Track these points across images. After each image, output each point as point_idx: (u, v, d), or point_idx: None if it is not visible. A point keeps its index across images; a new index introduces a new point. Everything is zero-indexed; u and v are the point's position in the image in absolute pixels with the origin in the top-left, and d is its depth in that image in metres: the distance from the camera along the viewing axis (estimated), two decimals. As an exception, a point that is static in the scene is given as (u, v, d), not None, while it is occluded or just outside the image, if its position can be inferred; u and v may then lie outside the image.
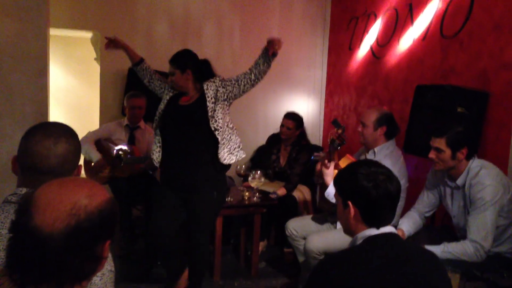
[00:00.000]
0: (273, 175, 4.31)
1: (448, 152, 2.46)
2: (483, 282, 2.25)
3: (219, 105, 2.90)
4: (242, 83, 2.94)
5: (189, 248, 3.10)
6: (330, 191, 2.83)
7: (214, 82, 2.96)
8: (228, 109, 3.00)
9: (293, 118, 4.26)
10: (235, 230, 4.24)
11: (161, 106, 3.06)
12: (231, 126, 2.98)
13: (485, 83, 3.18)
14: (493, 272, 2.31)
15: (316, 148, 4.90)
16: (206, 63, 3.08)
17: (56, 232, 0.92)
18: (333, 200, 2.84)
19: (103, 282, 1.31)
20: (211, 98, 2.89)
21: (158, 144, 3.05)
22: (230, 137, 2.95)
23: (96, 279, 1.26)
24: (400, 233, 2.57)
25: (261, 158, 4.58)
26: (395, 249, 1.51)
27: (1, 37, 3.42)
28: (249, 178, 3.65)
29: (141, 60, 3.19)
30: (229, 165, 3.01)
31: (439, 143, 2.47)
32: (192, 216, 3.02)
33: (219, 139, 2.87)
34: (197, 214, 2.99)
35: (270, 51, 2.89)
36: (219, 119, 2.87)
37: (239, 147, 3.01)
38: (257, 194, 3.69)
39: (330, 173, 2.85)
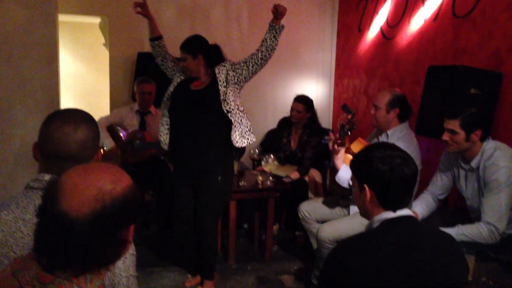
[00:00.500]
0: (284, 158, 4.32)
1: (462, 134, 2.44)
2: (498, 263, 2.25)
3: (230, 88, 2.92)
4: (251, 64, 2.97)
5: (197, 236, 3.12)
6: (341, 175, 2.83)
7: (224, 66, 2.98)
8: (238, 92, 3.02)
9: (302, 101, 4.24)
10: (247, 214, 4.27)
11: (171, 88, 3.07)
12: (241, 109, 2.99)
13: (498, 64, 3.14)
14: (507, 253, 2.31)
15: (327, 132, 4.89)
16: (216, 48, 3.09)
17: (82, 217, 0.94)
18: (344, 184, 2.85)
19: (126, 265, 1.33)
20: (223, 82, 2.91)
21: (166, 126, 3.08)
22: (241, 120, 2.96)
23: (118, 262, 1.28)
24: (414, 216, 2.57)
25: (272, 142, 4.59)
26: (412, 232, 1.52)
27: (11, 25, 3.42)
28: (263, 162, 3.67)
29: (160, 36, 3.17)
30: (241, 149, 3.03)
31: (453, 124, 2.46)
32: (199, 202, 3.04)
33: (232, 121, 2.90)
34: (205, 200, 3.01)
35: (277, 16, 3.00)
36: (230, 101, 2.89)
37: (249, 131, 3.03)
38: (271, 178, 3.69)
39: (340, 158, 2.84)
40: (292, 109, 4.28)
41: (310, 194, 4.10)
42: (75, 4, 4.65)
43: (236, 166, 3.92)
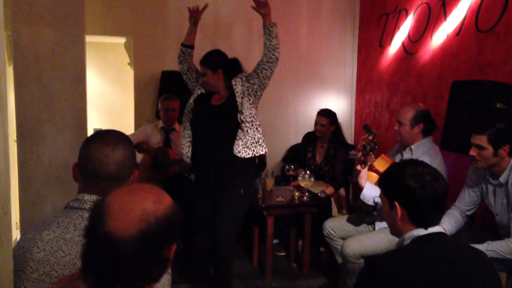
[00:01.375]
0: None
1: (490, 149, 2.42)
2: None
3: (246, 99, 2.96)
4: (259, 69, 3.02)
5: (214, 247, 3.10)
6: (366, 193, 2.83)
7: (240, 78, 3.04)
8: (255, 103, 3.04)
9: (326, 115, 4.25)
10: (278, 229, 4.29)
11: (191, 101, 3.13)
12: (249, 120, 2.98)
13: (524, 77, 3.12)
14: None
15: (352, 147, 4.90)
16: (235, 62, 3.15)
17: (128, 237, 0.97)
18: (369, 202, 2.84)
19: (162, 283, 1.36)
20: (240, 93, 2.97)
21: (189, 139, 3.13)
22: (247, 130, 2.96)
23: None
24: None
25: (295, 157, 4.60)
26: (444, 248, 1.51)
27: (41, 47, 3.52)
28: (299, 178, 3.68)
29: (193, 46, 3.25)
30: (262, 164, 3.05)
31: (480, 140, 2.44)
32: (217, 212, 3.05)
33: (240, 131, 2.94)
34: (223, 210, 3.02)
35: (259, 11, 3.04)
36: (245, 112, 2.93)
37: (257, 143, 3.01)
38: (307, 193, 3.71)
39: (363, 176, 2.83)
40: (316, 123, 4.29)
41: (333, 210, 4.09)
42: (102, 25, 4.77)
43: (271, 182, 3.96)
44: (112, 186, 1.32)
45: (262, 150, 3.04)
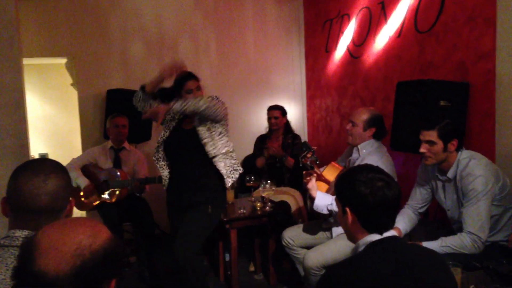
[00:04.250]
0: (267, 169, 4.38)
1: (440, 144, 2.46)
2: (484, 271, 2.25)
3: (212, 132, 2.97)
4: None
5: (179, 268, 2.94)
6: (318, 204, 2.81)
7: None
8: (219, 134, 3.02)
9: (277, 108, 4.50)
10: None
11: (165, 133, 3.08)
12: (223, 151, 2.99)
13: (464, 75, 3.22)
14: (492, 260, 2.31)
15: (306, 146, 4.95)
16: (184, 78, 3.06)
17: (61, 275, 0.91)
18: (324, 211, 2.82)
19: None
20: (204, 132, 2.96)
21: (168, 171, 3.09)
22: (225, 162, 2.98)
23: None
24: (397, 232, 2.56)
25: (252, 167, 4.57)
26: (397, 253, 1.50)
27: (-26, 72, 3.35)
28: (260, 188, 3.64)
29: (152, 94, 3.04)
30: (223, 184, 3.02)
31: (431, 135, 2.47)
32: (181, 230, 2.93)
33: (217, 165, 2.93)
34: (187, 227, 2.92)
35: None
36: (212, 148, 2.93)
37: (233, 169, 3.04)
38: (269, 203, 3.69)
39: (312, 187, 2.82)
40: (270, 117, 4.47)
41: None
42: (40, 46, 4.60)
43: (231, 195, 3.90)
44: (46, 219, 1.24)
45: (237, 174, 3.05)
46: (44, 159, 1.36)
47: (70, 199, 1.39)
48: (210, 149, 2.93)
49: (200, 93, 3.00)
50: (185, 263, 2.91)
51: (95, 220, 1.03)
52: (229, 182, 2.99)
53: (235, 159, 3.08)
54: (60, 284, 0.90)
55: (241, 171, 3.07)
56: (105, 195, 3.83)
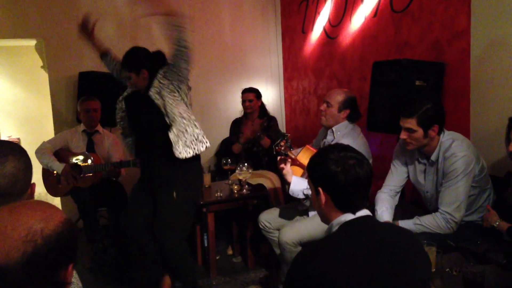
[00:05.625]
0: (244, 153, 4.35)
1: (420, 131, 2.43)
2: (458, 251, 2.26)
3: (167, 98, 2.77)
4: (174, 63, 2.77)
5: (161, 253, 2.94)
6: (293, 189, 2.79)
7: (157, 79, 2.81)
8: (179, 98, 2.83)
9: (252, 90, 4.45)
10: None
11: (120, 99, 2.98)
12: (185, 115, 2.82)
13: (440, 54, 3.21)
14: (467, 241, 2.33)
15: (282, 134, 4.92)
16: (159, 56, 2.93)
17: (12, 263, 0.85)
18: (299, 196, 2.80)
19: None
20: (156, 96, 2.78)
21: (130, 139, 3.03)
22: (185, 128, 2.80)
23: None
24: None
25: (228, 149, 4.54)
26: (371, 232, 1.48)
27: None
28: (237, 171, 3.59)
29: (106, 51, 3.10)
30: (193, 160, 2.87)
31: (410, 123, 2.44)
32: (155, 218, 2.87)
33: (171, 133, 2.76)
34: (160, 216, 2.84)
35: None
36: (170, 113, 2.76)
37: (197, 139, 2.85)
38: (246, 186, 3.65)
39: (288, 172, 2.79)
40: (244, 100, 4.43)
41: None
42: (8, 27, 4.44)
43: (208, 178, 3.85)
44: (4, 203, 1.17)
45: (202, 147, 2.88)
46: (1, 141, 1.30)
47: (32, 182, 1.34)
48: (168, 118, 2.77)
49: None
50: (167, 251, 2.85)
51: (47, 203, 0.97)
52: (189, 152, 2.79)
53: (198, 129, 2.89)
54: (10, 273, 0.85)
55: (207, 145, 2.91)
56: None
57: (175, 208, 2.84)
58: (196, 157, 2.89)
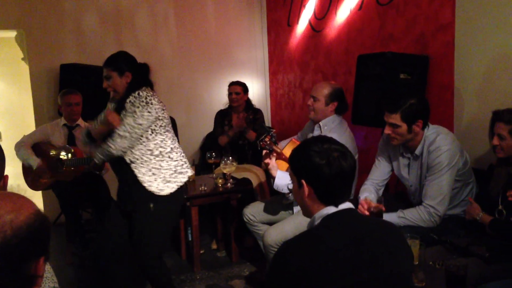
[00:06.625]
0: (229, 146, 4.32)
1: (404, 126, 2.43)
2: (441, 245, 2.27)
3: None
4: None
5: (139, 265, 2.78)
6: (278, 183, 2.77)
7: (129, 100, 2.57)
8: (153, 133, 2.58)
9: (239, 84, 4.43)
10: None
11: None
12: (157, 152, 2.60)
13: (424, 47, 3.21)
14: (450, 234, 2.34)
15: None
16: (145, 68, 2.71)
17: None
18: (284, 190, 2.78)
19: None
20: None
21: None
22: (160, 164, 2.60)
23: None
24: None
25: (214, 143, 4.50)
26: (353, 225, 1.47)
27: None
28: (222, 165, 3.55)
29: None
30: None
31: (394, 118, 2.43)
32: (133, 231, 2.71)
33: (137, 172, 2.57)
34: (137, 230, 2.67)
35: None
36: (135, 150, 2.56)
37: (176, 171, 2.65)
38: (231, 180, 3.62)
39: (273, 166, 2.76)
40: (230, 93, 4.40)
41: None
42: (-14, 18, 4.34)
43: (192, 172, 3.79)
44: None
45: (184, 177, 2.68)
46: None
47: (5, 175, 1.29)
48: (129, 156, 2.56)
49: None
50: (147, 266, 2.72)
51: (19, 194, 0.95)
52: (172, 187, 2.61)
53: (177, 160, 2.68)
54: None
55: (190, 173, 2.73)
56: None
57: (151, 222, 2.64)
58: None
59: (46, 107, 4.62)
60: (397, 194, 3.04)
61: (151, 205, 2.60)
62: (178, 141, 2.83)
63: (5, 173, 1.31)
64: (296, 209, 2.97)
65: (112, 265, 2.83)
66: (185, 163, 2.73)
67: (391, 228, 1.55)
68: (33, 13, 4.48)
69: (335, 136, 2.74)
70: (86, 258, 3.86)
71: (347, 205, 1.51)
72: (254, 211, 3.19)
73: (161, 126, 2.60)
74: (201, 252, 3.79)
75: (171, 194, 2.63)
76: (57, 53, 4.52)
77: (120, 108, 2.59)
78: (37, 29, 4.52)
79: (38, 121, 4.57)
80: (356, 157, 3.00)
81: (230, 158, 3.55)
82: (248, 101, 4.50)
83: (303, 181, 1.52)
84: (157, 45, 5.00)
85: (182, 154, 2.75)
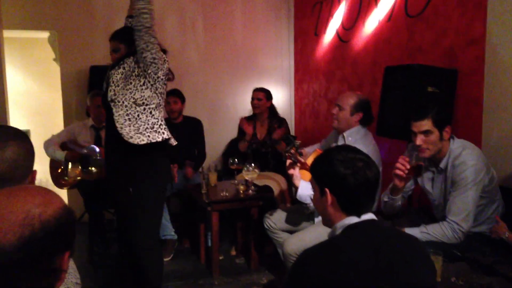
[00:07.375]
0: (252, 154, 4.30)
1: (436, 132, 2.38)
2: (465, 262, 2.22)
3: (132, 79, 2.59)
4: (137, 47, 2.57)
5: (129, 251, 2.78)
6: (301, 193, 2.74)
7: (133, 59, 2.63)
8: (143, 85, 2.59)
9: (262, 90, 4.41)
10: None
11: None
12: (140, 102, 2.60)
13: (453, 60, 3.16)
14: (474, 252, 2.28)
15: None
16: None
17: (8, 245, 0.84)
18: (307, 201, 2.75)
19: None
20: (121, 73, 2.64)
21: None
22: (138, 115, 2.60)
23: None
24: None
25: (235, 148, 4.51)
26: (375, 237, 1.45)
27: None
28: (244, 171, 3.56)
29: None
30: (152, 151, 2.66)
31: (426, 124, 2.37)
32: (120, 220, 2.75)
33: (115, 111, 2.58)
34: (121, 213, 2.71)
35: None
36: (118, 91, 2.59)
37: (152, 128, 2.62)
38: (252, 187, 3.62)
39: (297, 176, 2.75)
40: (253, 98, 4.38)
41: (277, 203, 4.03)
42: (22, 19, 4.47)
43: (215, 177, 3.82)
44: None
45: (158, 137, 2.63)
46: (3, 126, 1.29)
47: (34, 170, 1.32)
48: (111, 93, 2.57)
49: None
50: (138, 253, 2.69)
51: (47, 188, 0.96)
52: (142, 139, 2.57)
53: (157, 119, 2.66)
54: (6, 256, 0.84)
55: (165, 136, 2.67)
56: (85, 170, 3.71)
57: (133, 206, 2.66)
58: (156, 148, 2.66)
59: (75, 108, 4.72)
60: (420, 209, 2.99)
61: (130, 189, 2.61)
62: None
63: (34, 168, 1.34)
64: (318, 219, 2.95)
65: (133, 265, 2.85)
66: (165, 126, 2.70)
67: (411, 240, 1.52)
68: (66, 15, 4.60)
69: (360, 147, 2.72)
70: (107, 257, 3.90)
71: (369, 216, 1.49)
72: (275, 218, 3.18)
73: (156, 87, 2.62)
74: (220, 258, 3.80)
75: (153, 174, 2.65)
76: (88, 55, 4.61)
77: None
78: (69, 31, 4.63)
79: (66, 121, 4.67)
80: (380, 169, 2.97)
81: (253, 164, 3.56)
82: (272, 109, 4.46)
83: (327, 190, 1.51)
84: (184, 50, 5.06)
85: (163, 120, 2.73)
